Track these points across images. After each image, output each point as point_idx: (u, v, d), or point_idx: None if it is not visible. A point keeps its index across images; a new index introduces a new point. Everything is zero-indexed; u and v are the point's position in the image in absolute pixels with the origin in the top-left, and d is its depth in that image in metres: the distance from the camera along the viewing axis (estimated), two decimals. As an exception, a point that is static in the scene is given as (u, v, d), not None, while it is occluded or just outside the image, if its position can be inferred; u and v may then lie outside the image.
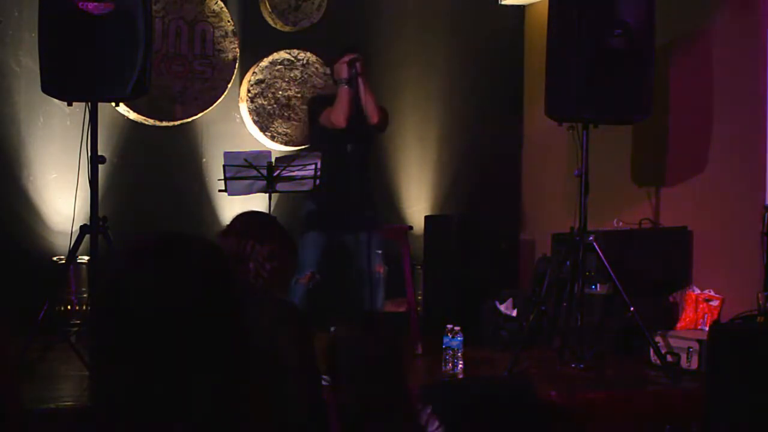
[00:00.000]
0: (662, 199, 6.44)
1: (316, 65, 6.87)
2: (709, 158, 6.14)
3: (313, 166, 5.52)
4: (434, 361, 5.36)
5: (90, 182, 4.98)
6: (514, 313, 6.27)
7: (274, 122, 6.82)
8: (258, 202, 5.83)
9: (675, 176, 6.39)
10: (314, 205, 5.73)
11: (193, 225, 6.33)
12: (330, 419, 2.88)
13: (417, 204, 7.25)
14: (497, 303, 6.34)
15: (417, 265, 6.80)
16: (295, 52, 6.86)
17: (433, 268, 6.83)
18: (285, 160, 5.61)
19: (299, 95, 6.84)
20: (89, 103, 4.96)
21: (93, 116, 4.96)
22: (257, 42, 6.81)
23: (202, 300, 1.48)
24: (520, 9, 7.60)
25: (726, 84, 6.06)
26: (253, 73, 6.77)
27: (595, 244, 5.42)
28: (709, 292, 5.91)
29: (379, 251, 5.65)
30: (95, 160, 4.98)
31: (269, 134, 6.79)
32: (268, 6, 6.76)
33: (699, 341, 5.30)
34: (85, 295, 5.97)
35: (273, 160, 5.55)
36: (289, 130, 6.85)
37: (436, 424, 2.98)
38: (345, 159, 5.53)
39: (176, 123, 6.58)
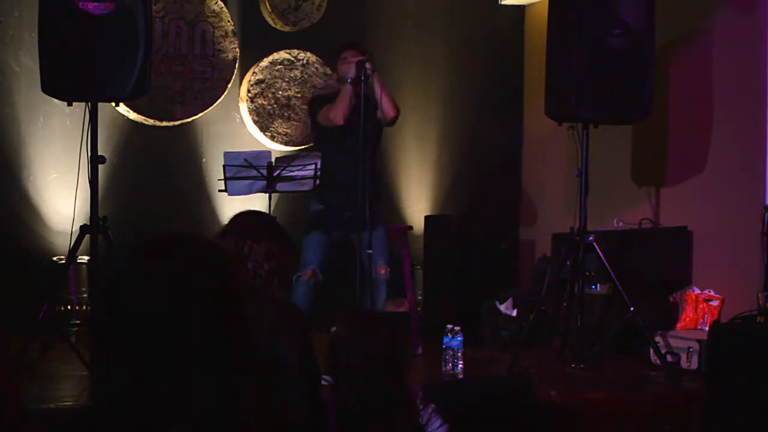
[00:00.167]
0: (662, 199, 6.44)
1: (316, 65, 6.87)
2: (709, 158, 6.14)
3: (313, 166, 5.52)
4: (434, 361, 5.36)
5: (90, 182, 4.98)
6: (514, 313, 6.27)
7: (274, 122, 6.82)
8: (258, 202, 5.83)
9: (675, 176, 6.39)
10: (321, 204, 5.72)
11: (193, 225, 6.33)
12: (330, 419, 2.88)
13: (417, 204, 7.25)
14: (497, 303, 6.35)
15: (417, 265, 6.80)
16: (295, 52, 6.86)
17: (433, 268, 6.83)
18: (285, 160, 5.61)
19: (299, 95, 6.84)
20: (89, 103, 4.96)
21: (93, 116, 4.96)
22: (257, 42, 6.81)
23: (203, 300, 1.48)
24: (520, 9, 7.60)
25: (726, 84, 6.06)
26: (253, 73, 6.77)
27: (595, 244, 5.42)
28: (709, 292, 5.91)
29: (383, 252, 5.64)
30: (95, 160, 4.98)
31: (269, 134, 6.79)
32: (268, 6, 6.76)
33: (699, 341, 5.30)
34: (85, 295, 5.96)
35: (273, 160, 5.55)
36: (289, 130, 6.85)
37: (438, 422, 2.98)
38: (348, 159, 5.52)
39: (176, 123, 6.58)
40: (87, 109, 4.96)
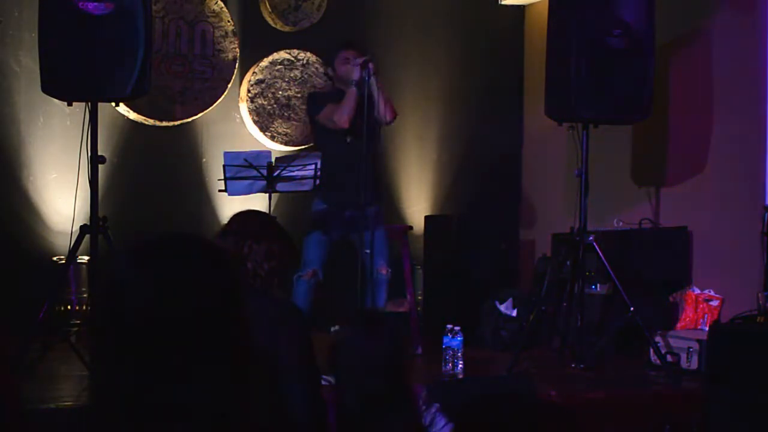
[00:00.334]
0: (662, 199, 6.44)
1: (316, 65, 6.87)
2: (709, 158, 6.14)
3: (313, 166, 5.52)
4: (434, 361, 5.36)
5: (90, 182, 4.98)
6: (514, 313, 6.27)
7: (274, 122, 6.82)
8: (258, 202, 5.83)
9: (675, 176, 6.39)
10: (324, 204, 5.71)
11: (193, 225, 6.33)
12: (330, 419, 2.88)
13: (417, 204, 7.25)
14: (497, 303, 6.35)
15: (417, 265, 6.80)
16: (295, 52, 6.86)
17: (433, 268, 6.83)
18: (285, 160, 5.61)
19: (299, 95, 6.84)
20: (89, 103, 4.96)
21: (93, 116, 4.95)
22: (257, 42, 6.81)
23: (202, 300, 1.48)
24: (520, 9, 7.60)
25: (726, 84, 6.06)
26: (253, 73, 6.77)
27: (595, 244, 5.42)
28: (709, 292, 5.91)
29: (384, 252, 5.64)
30: (95, 160, 4.98)
31: (269, 134, 6.79)
32: (268, 6, 6.76)
33: (699, 341, 5.30)
34: (85, 295, 5.96)
35: (273, 160, 5.55)
36: (289, 130, 6.85)
37: (444, 421, 2.98)
38: (348, 157, 5.52)
39: (176, 123, 6.58)
40: (87, 109, 4.95)
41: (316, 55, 6.84)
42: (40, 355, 4.93)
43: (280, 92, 6.83)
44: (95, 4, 4.79)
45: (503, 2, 7.48)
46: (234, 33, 6.67)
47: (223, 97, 6.65)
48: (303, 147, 6.72)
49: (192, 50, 6.60)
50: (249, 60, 6.78)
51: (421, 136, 7.31)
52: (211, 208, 6.60)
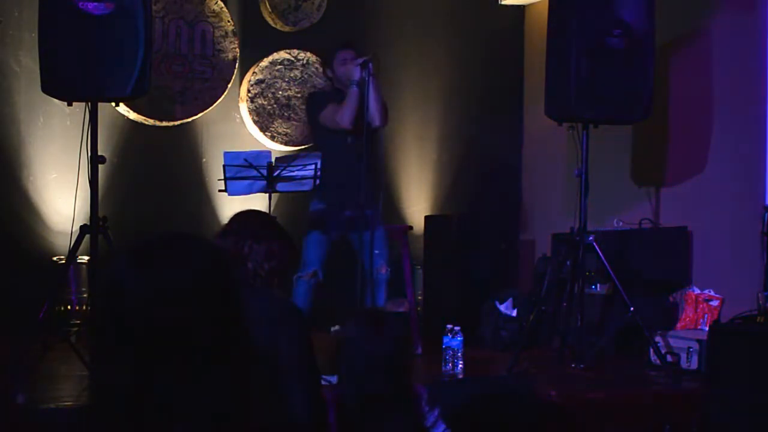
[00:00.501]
0: (662, 199, 6.44)
1: (316, 65, 6.87)
2: (709, 158, 6.14)
3: (313, 166, 5.52)
4: (434, 361, 5.36)
5: (90, 182, 4.98)
6: (514, 313, 6.27)
7: (274, 122, 6.82)
8: (258, 202, 5.83)
9: (675, 176, 6.39)
10: (321, 203, 5.72)
11: (193, 225, 6.33)
12: (330, 419, 2.88)
13: (417, 204, 7.25)
14: (497, 303, 6.35)
15: (417, 265, 6.80)
16: (295, 52, 6.86)
17: (433, 268, 6.83)
18: (285, 160, 5.61)
19: (299, 95, 6.84)
20: (89, 103, 4.96)
21: (93, 116, 4.95)
22: (257, 42, 6.81)
23: (203, 300, 1.48)
24: (520, 9, 7.60)
25: (726, 84, 6.06)
26: (253, 73, 6.77)
27: (595, 244, 5.42)
28: (709, 292, 5.91)
29: (383, 251, 5.64)
30: (95, 160, 4.98)
31: (269, 134, 6.79)
32: (268, 6, 6.76)
33: (699, 341, 5.30)
34: (85, 295, 5.97)
35: (273, 160, 5.55)
36: (289, 130, 6.85)
37: (443, 427, 2.98)
38: (348, 157, 5.52)
39: (176, 123, 6.58)
40: (87, 109, 4.95)
41: (316, 55, 6.84)
42: (40, 355, 4.93)
43: (280, 92, 6.83)
44: (95, 4, 4.79)
45: (503, 2, 7.48)
46: (234, 33, 6.67)
47: (223, 97, 6.65)
48: (303, 147, 6.72)
49: (192, 50, 6.60)
50: (249, 60, 6.78)
51: (421, 136, 7.31)
52: (211, 208, 6.60)
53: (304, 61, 6.88)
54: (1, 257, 6.04)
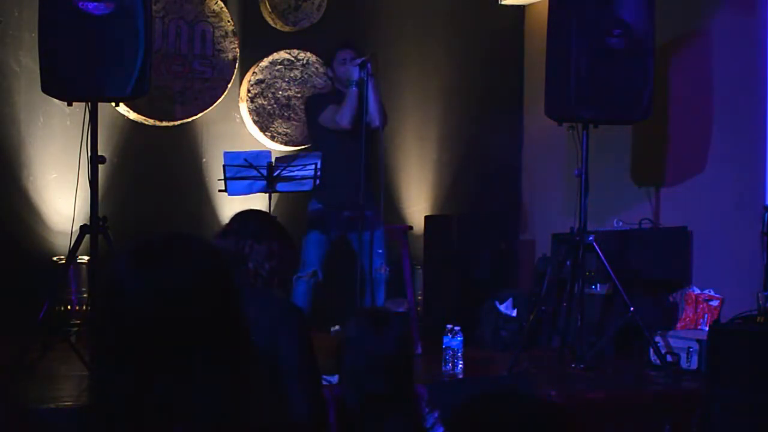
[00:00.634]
0: (662, 199, 6.44)
1: (316, 65, 6.87)
2: (709, 158, 6.14)
3: (313, 166, 5.52)
4: (434, 361, 5.36)
5: (90, 182, 4.98)
6: (514, 313, 6.27)
7: (274, 122, 6.82)
8: (258, 202, 5.83)
9: (675, 176, 6.39)
10: (318, 203, 5.72)
11: (193, 225, 6.33)
12: (330, 419, 2.88)
13: (417, 204, 7.25)
14: (497, 303, 6.35)
15: (417, 265, 6.80)
16: (295, 52, 6.86)
17: (433, 268, 6.83)
18: (285, 160, 5.61)
19: (299, 95, 6.84)
20: (89, 103, 4.96)
21: (93, 116, 4.96)
22: (257, 42, 6.81)
23: (202, 300, 1.49)
24: (520, 9, 7.60)
25: (726, 84, 6.06)
26: (253, 73, 6.77)
27: (595, 244, 5.42)
28: (709, 292, 5.91)
29: (382, 251, 5.64)
30: (95, 160, 4.98)
31: (269, 134, 6.79)
32: (268, 6, 6.76)
33: (699, 341, 5.30)
34: (85, 295, 5.96)
35: (273, 160, 5.55)
36: (289, 130, 6.85)
37: (441, 430, 2.97)
38: (347, 158, 5.52)
39: (176, 123, 6.58)
40: (87, 109, 4.96)
41: (316, 55, 6.84)
42: (40, 355, 4.93)
43: (280, 92, 6.83)
44: (95, 4, 4.79)
45: (503, 2, 7.48)
46: (234, 33, 6.67)
47: (223, 97, 6.65)
48: (303, 147, 6.72)
49: (192, 50, 6.60)
50: (249, 60, 6.77)
51: (421, 136, 7.31)
52: (211, 208, 6.60)
53: (304, 61, 6.88)
54: (1, 257, 6.04)
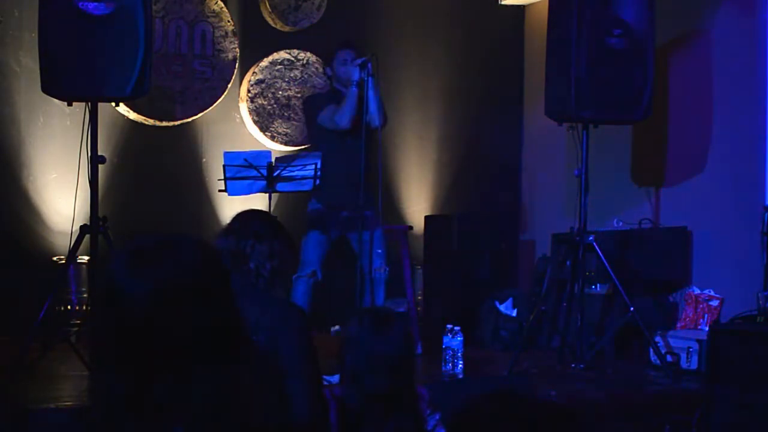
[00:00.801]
0: (662, 199, 6.44)
1: (316, 65, 6.87)
2: (709, 158, 6.14)
3: (312, 166, 5.52)
4: (434, 361, 5.36)
5: (90, 182, 4.99)
6: (514, 313, 6.27)
7: (274, 122, 6.82)
8: (258, 202, 5.83)
9: (675, 176, 6.39)
10: (318, 203, 5.72)
11: (193, 225, 6.33)
12: (331, 419, 2.87)
13: (417, 204, 7.25)
14: (497, 303, 6.35)
15: (417, 265, 6.80)
16: (295, 52, 6.86)
17: (433, 268, 6.83)
18: (285, 160, 5.61)
19: (299, 95, 6.84)
20: (89, 103, 4.96)
21: (93, 116, 4.96)
22: (257, 42, 6.81)
23: (201, 300, 1.49)
24: (520, 9, 7.60)
25: (726, 84, 6.06)
26: (253, 73, 6.77)
27: (595, 244, 5.42)
28: (709, 292, 5.91)
29: (381, 251, 5.65)
30: (95, 160, 4.98)
31: (269, 134, 6.79)
32: (268, 6, 6.76)
33: (699, 341, 5.31)
34: (85, 295, 5.97)
35: (273, 160, 5.55)
36: (289, 130, 6.85)
37: (442, 432, 2.97)
38: (347, 158, 5.52)
39: (176, 123, 6.58)
40: (87, 109, 4.96)
41: (316, 55, 6.84)
42: (40, 355, 4.93)
43: (280, 92, 6.83)
44: (95, 4, 4.79)
45: (503, 2, 7.48)
46: (234, 33, 6.67)
47: (223, 97, 6.65)
48: (303, 147, 6.72)
49: (192, 50, 6.60)
50: (249, 60, 6.77)
51: (421, 136, 7.31)
52: (211, 208, 6.60)
53: (304, 61, 6.88)
54: (1, 257, 6.04)
